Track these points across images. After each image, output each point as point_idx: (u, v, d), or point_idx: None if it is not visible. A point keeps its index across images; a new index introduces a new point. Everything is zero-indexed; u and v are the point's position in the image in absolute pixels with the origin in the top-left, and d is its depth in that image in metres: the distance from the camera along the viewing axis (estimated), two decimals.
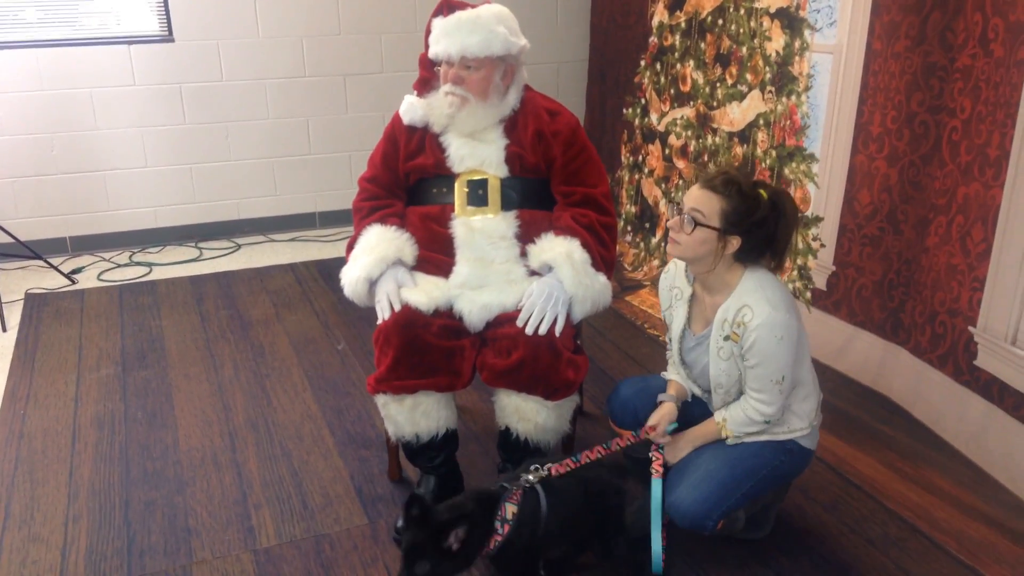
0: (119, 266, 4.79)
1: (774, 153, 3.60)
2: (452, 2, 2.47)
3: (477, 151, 2.45)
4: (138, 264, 4.82)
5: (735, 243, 2.07)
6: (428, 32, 2.48)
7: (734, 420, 2.15)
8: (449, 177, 2.49)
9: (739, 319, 2.08)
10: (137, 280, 4.58)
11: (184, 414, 3.17)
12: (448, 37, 2.38)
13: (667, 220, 2.17)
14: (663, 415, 2.25)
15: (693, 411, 2.31)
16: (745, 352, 2.07)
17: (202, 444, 2.97)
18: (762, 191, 2.07)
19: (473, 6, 2.44)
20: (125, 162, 4.94)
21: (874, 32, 3.03)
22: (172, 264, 4.81)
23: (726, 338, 2.12)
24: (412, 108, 2.52)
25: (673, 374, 2.37)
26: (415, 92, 2.57)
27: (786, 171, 3.53)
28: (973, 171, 2.67)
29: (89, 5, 4.70)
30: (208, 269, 4.73)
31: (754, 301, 2.07)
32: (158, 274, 4.67)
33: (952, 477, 2.66)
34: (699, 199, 2.08)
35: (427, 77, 2.54)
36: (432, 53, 2.45)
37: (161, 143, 4.98)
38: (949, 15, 2.73)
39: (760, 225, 2.06)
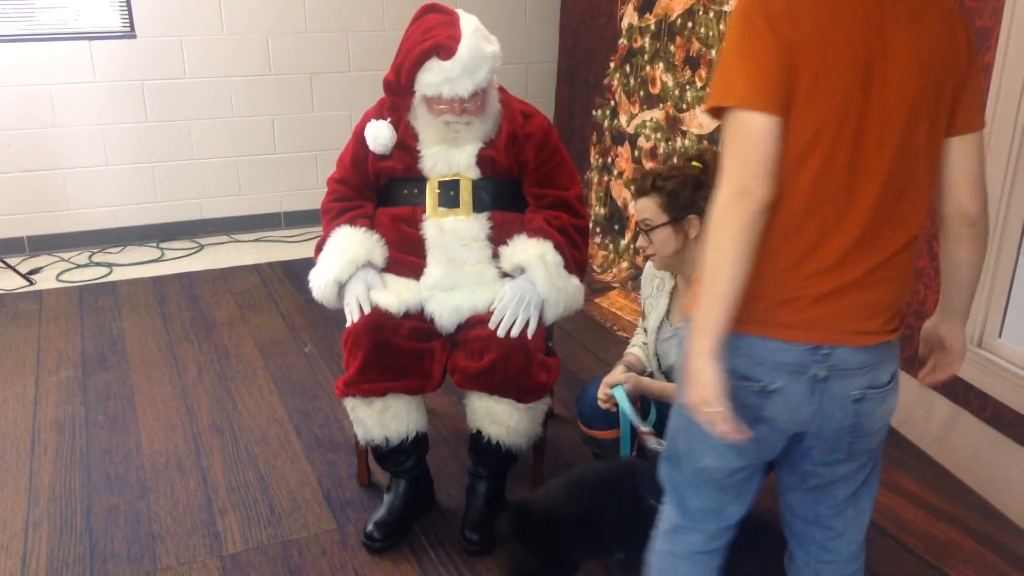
0: (79, 266, 4.69)
1: None
2: (431, 5, 2.42)
3: (450, 155, 2.43)
4: (98, 264, 4.73)
5: (694, 222, 2.08)
6: (410, 61, 2.32)
7: None
8: (420, 178, 2.46)
9: None
10: (97, 281, 4.49)
11: (147, 418, 3.11)
12: (453, 83, 2.28)
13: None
14: (616, 372, 2.30)
15: (662, 410, 2.31)
16: None
17: (165, 448, 2.91)
18: (693, 162, 2.13)
19: (449, 10, 2.40)
20: (85, 160, 4.84)
21: None
22: (133, 264, 4.73)
23: None
24: (379, 136, 2.44)
25: (635, 350, 2.39)
26: (385, 118, 2.47)
27: None
28: None
29: (46, 0, 4.60)
30: (170, 270, 4.65)
31: None
32: (119, 275, 4.58)
33: (918, 478, 2.69)
34: (641, 209, 2.14)
35: (398, 104, 2.45)
36: (432, 94, 2.32)
37: (122, 141, 4.89)
38: None
39: (700, 187, 2.06)
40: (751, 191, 1.37)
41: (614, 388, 2.19)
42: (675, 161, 4.08)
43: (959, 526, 2.49)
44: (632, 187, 2.17)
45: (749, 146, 1.38)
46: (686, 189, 2.08)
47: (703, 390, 1.41)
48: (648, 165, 4.34)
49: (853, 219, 1.44)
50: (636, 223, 2.16)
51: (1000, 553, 2.38)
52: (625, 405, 2.16)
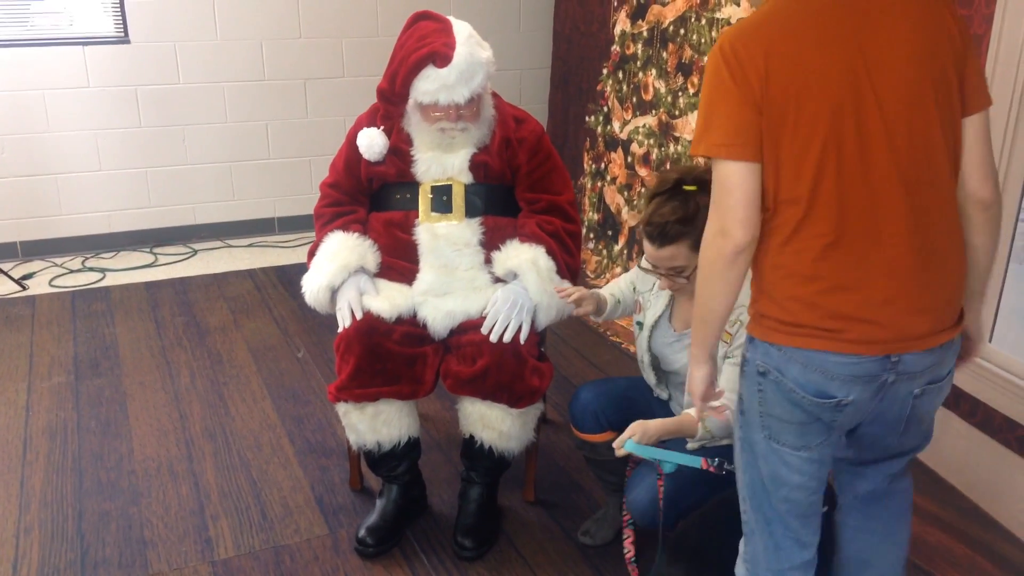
0: (72, 272, 4.68)
1: None
2: (423, 12, 2.42)
3: (443, 160, 2.44)
4: (91, 270, 4.72)
5: None
6: (406, 68, 2.32)
7: (714, 422, 2.06)
8: (413, 183, 2.47)
9: (734, 318, 2.07)
10: (90, 286, 4.48)
11: (139, 423, 3.11)
12: (449, 90, 2.29)
13: (658, 283, 2.18)
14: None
15: (655, 412, 2.31)
16: (734, 350, 2.06)
17: (158, 454, 2.91)
18: (687, 188, 2.04)
19: (442, 17, 2.40)
20: (78, 165, 4.84)
21: None
22: (126, 270, 4.72)
23: None
24: (373, 145, 2.45)
25: (605, 292, 2.38)
26: (378, 126, 2.47)
27: None
28: None
29: (41, 5, 4.60)
30: (163, 275, 4.65)
31: (744, 298, 2.06)
32: (112, 280, 4.57)
33: None
34: (670, 257, 2.05)
35: (391, 111, 2.45)
36: (429, 101, 2.32)
37: (116, 146, 4.89)
38: None
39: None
40: (729, 233, 1.51)
41: (626, 445, 2.07)
42: (668, 166, 4.09)
43: (950, 531, 2.49)
44: (649, 235, 2.10)
45: (726, 191, 1.51)
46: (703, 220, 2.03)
47: (699, 386, 1.69)
48: (641, 171, 4.35)
49: (891, 227, 1.49)
50: (661, 268, 2.10)
51: (991, 557, 2.38)
52: (647, 453, 2.07)
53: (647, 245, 2.08)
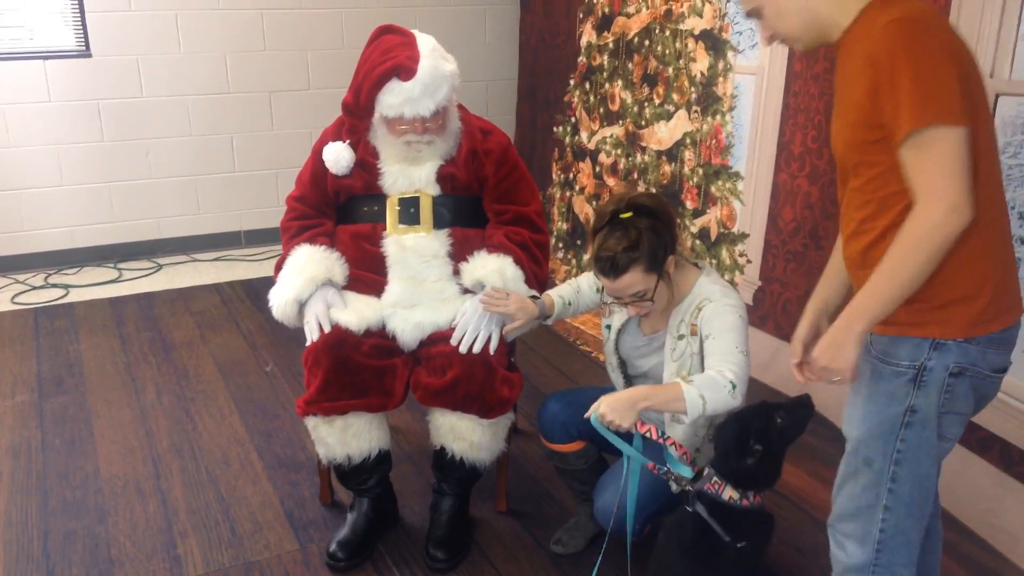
0: (34, 288, 4.61)
1: (701, 171, 3.68)
2: (386, 26, 2.43)
3: (410, 172, 2.44)
4: (54, 286, 4.65)
5: (671, 261, 2.09)
6: (370, 83, 2.31)
7: (700, 379, 2.00)
8: (380, 196, 2.47)
9: (697, 307, 2.11)
10: (53, 303, 4.42)
11: (105, 441, 3.06)
12: (414, 103, 2.29)
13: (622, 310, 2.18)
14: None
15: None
16: (706, 333, 2.07)
17: (124, 471, 2.87)
18: (623, 216, 2.05)
19: (406, 31, 2.41)
20: (40, 180, 4.77)
21: (794, 54, 3.12)
22: (90, 285, 4.65)
23: (680, 337, 2.14)
24: (340, 160, 2.45)
25: (554, 294, 2.38)
26: (344, 140, 2.47)
27: (712, 189, 3.60)
28: None
29: (0, 19, 4.54)
30: (128, 290, 4.59)
31: (709, 293, 2.11)
32: (75, 296, 4.51)
33: None
34: (629, 285, 2.05)
35: (357, 125, 2.45)
36: (394, 115, 2.32)
37: (78, 161, 4.83)
38: None
39: (656, 231, 2.04)
40: (962, 209, 1.44)
41: (591, 419, 2.03)
42: (635, 176, 4.13)
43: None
44: (602, 270, 2.08)
45: (958, 160, 1.43)
46: (657, 242, 2.04)
47: (847, 362, 1.57)
48: (609, 181, 4.38)
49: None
50: (624, 298, 2.10)
51: (956, 558, 2.42)
52: (604, 432, 2.03)
53: (603, 280, 2.09)
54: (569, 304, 2.39)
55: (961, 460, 2.57)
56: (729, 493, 1.98)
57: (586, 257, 4.55)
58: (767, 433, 1.94)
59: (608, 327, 2.33)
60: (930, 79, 1.43)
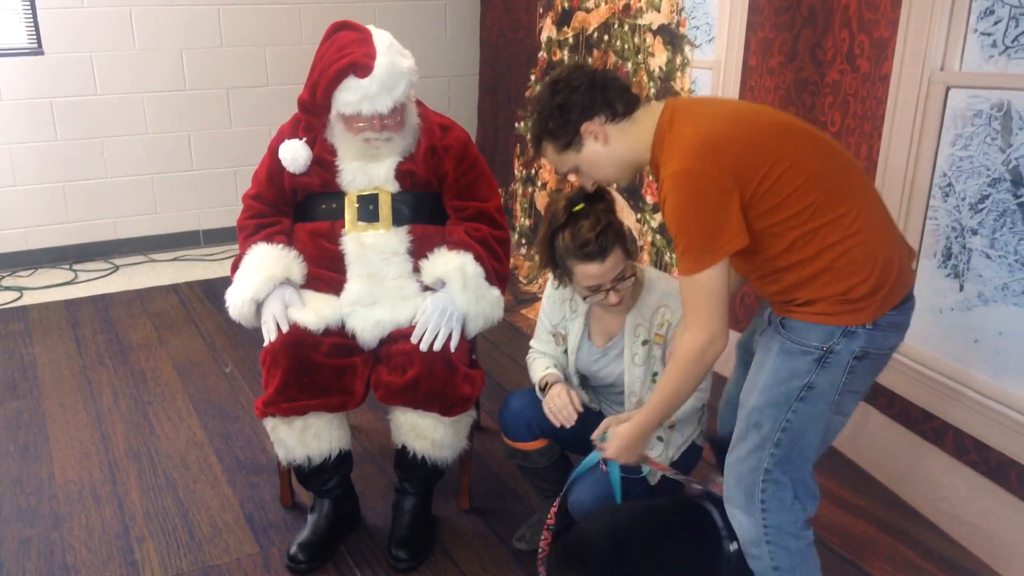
0: None
1: None
2: (342, 23, 2.40)
3: (369, 170, 2.42)
4: (8, 288, 4.56)
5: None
6: (326, 80, 2.28)
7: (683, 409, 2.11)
8: (338, 193, 2.45)
9: (660, 319, 2.16)
10: (7, 305, 4.33)
11: (60, 446, 3.00)
12: (371, 100, 2.26)
13: (603, 300, 2.14)
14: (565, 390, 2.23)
15: (588, 420, 2.31)
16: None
17: (80, 477, 2.82)
18: (577, 209, 2.09)
19: (361, 27, 2.38)
20: None
21: (750, 49, 3.14)
22: (45, 288, 4.56)
23: (644, 343, 2.15)
24: (297, 158, 2.42)
25: (553, 370, 2.33)
26: (300, 137, 2.44)
27: None
28: None
29: None
30: (84, 292, 4.51)
31: (669, 300, 2.16)
32: (29, 298, 4.42)
33: (833, 475, 2.77)
34: (611, 269, 2.06)
35: (314, 122, 2.42)
36: (351, 112, 2.29)
37: (31, 160, 4.73)
38: (819, 32, 2.86)
39: (612, 211, 2.11)
40: (720, 340, 1.75)
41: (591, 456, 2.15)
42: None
43: (873, 521, 2.56)
44: (589, 255, 2.07)
45: (716, 298, 1.73)
46: (619, 222, 2.09)
47: (635, 459, 2.08)
48: (571, 177, 4.38)
49: None
50: (606, 284, 2.08)
51: (913, 546, 2.46)
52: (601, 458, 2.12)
53: (590, 268, 2.05)
54: (556, 364, 2.34)
55: (915, 449, 2.61)
56: None
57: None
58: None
59: (565, 352, 2.33)
60: (702, 231, 1.69)
